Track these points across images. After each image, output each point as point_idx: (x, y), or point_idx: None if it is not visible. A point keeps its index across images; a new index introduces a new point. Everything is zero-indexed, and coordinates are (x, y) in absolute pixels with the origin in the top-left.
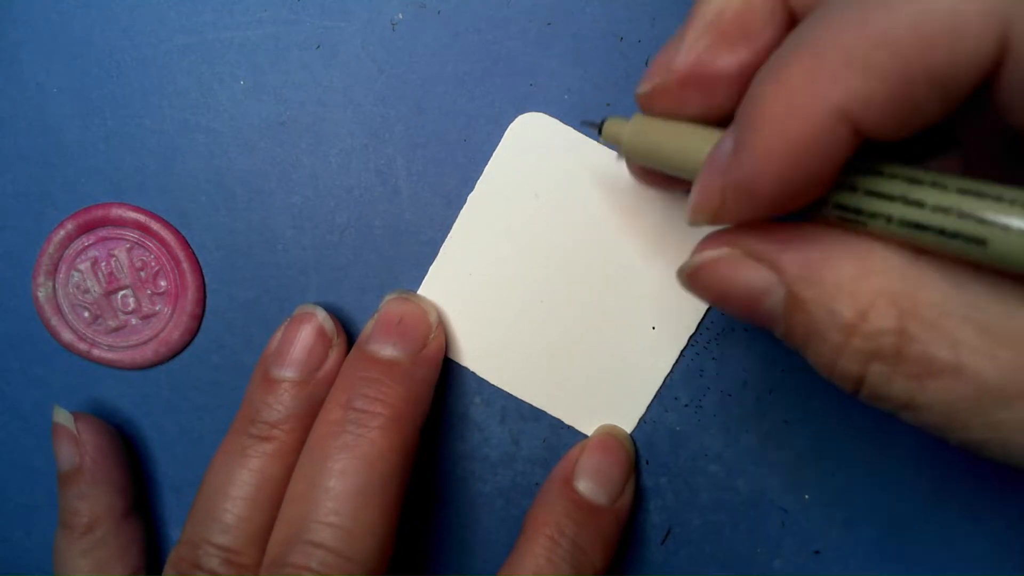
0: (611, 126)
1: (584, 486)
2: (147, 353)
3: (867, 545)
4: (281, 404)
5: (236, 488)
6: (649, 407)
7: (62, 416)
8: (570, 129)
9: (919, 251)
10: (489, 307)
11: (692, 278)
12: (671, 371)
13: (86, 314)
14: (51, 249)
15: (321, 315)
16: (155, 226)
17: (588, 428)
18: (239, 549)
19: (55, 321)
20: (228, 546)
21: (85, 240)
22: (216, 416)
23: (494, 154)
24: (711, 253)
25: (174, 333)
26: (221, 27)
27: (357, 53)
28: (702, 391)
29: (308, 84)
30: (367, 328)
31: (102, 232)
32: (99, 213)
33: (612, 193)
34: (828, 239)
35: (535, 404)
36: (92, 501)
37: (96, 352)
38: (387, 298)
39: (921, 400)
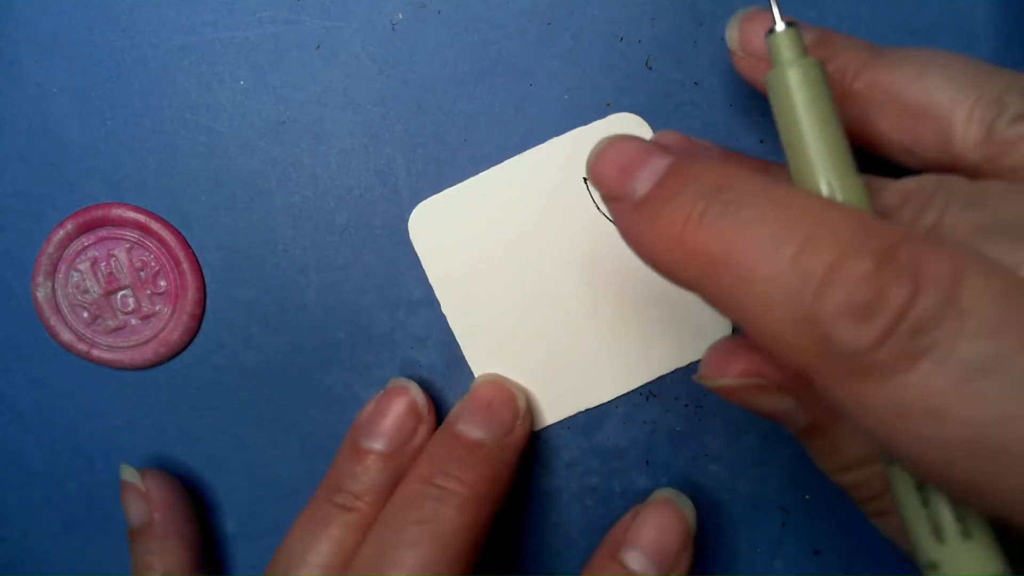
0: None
1: (634, 560)
2: (147, 353)
3: (867, 545)
4: (367, 475)
5: (314, 555)
6: (649, 407)
7: (129, 473)
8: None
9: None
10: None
11: (718, 391)
12: (671, 371)
13: (85, 314)
14: (51, 249)
15: (414, 390)
16: (155, 226)
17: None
18: None
19: (54, 321)
20: None
21: (85, 240)
22: (216, 416)
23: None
24: (738, 382)
25: (174, 333)
26: (221, 27)
27: (357, 53)
28: (702, 391)
29: (308, 84)
30: (457, 408)
31: (102, 232)
32: (99, 213)
33: None
34: None
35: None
36: (163, 556)
37: (96, 352)
38: (478, 378)
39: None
